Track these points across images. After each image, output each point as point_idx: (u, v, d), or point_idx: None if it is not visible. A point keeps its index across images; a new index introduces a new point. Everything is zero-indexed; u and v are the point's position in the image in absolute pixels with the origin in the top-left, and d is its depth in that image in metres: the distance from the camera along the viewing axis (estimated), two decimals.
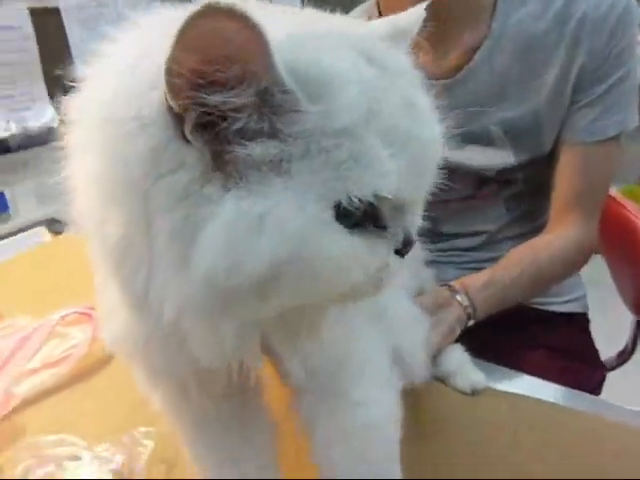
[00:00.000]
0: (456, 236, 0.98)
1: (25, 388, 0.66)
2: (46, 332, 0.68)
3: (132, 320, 0.39)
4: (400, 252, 0.34)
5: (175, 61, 0.26)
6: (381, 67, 0.32)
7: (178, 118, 0.28)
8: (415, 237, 0.35)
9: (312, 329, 0.37)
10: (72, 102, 0.33)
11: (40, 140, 1.53)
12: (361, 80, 0.30)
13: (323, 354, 0.41)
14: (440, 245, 0.99)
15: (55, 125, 1.54)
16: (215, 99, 0.27)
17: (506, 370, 0.67)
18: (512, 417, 0.57)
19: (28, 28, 1.40)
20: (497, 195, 0.92)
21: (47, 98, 1.47)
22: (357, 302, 0.36)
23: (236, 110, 0.28)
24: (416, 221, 0.35)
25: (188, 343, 0.35)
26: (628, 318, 1.12)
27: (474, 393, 0.62)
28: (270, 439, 0.49)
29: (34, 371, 0.68)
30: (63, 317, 0.70)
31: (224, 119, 0.28)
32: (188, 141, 0.28)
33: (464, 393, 0.62)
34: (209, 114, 0.28)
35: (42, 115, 1.46)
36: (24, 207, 1.52)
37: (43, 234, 1.17)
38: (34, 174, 1.54)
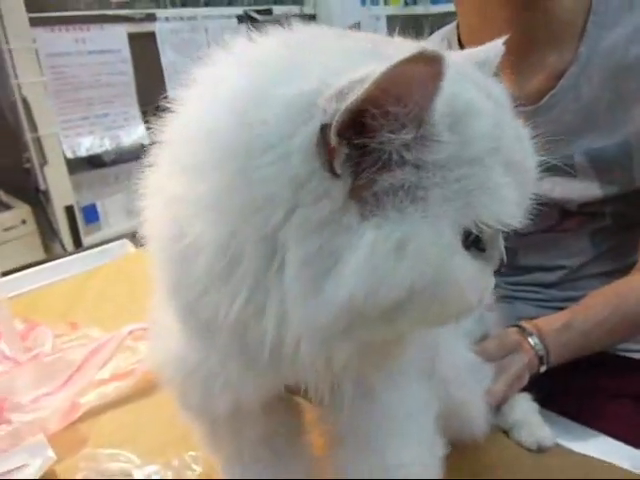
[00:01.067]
0: (535, 270, 0.92)
1: (91, 398, 0.69)
2: (115, 345, 0.71)
3: (184, 347, 0.39)
4: (495, 273, 0.36)
5: (369, 101, 0.27)
6: (493, 99, 0.33)
7: (330, 151, 0.28)
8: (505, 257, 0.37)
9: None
10: (169, 122, 0.34)
11: (132, 156, 1.63)
12: (489, 112, 0.32)
13: (369, 410, 0.40)
14: (517, 279, 0.93)
15: (146, 142, 1.62)
16: (388, 137, 0.28)
17: (579, 426, 0.62)
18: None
19: (126, 51, 1.50)
20: (581, 229, 0.86)
21: (140, 117, 1.57)
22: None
23: (390, 143, 0.29)
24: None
25: (233, 383, 0.35)
26: None
27: (540, 450, 0.57)
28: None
29: (103, 382, 0.71)
30: (131, 332, 0.73)
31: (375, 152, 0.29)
32: (334, 173, 0.29)
33: (529, 449, 0.57)
34: (362, 147, 0.29)
35: (134, 133, 1.56)
36: (114, 219, 1.62)
37: (127, 246, 1.23)
38: (125, 188, 1.64)
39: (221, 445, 0.45)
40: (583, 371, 0.74)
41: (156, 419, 0.67)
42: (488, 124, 0.31)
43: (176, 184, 0.32)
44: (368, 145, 0.29)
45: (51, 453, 0.59)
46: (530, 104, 0.79)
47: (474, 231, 0.31)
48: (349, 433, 0.41)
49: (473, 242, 0.32)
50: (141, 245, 1.25)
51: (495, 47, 0.41)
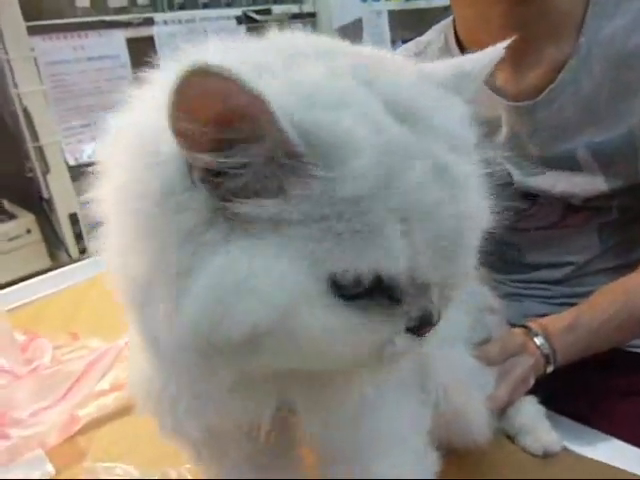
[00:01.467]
0: (541, 267, 0.90)
1: (91, 410, 0.68)
2: (113, 356, 0.70)
3: (150, 369, 0.38)
4: (414, 331, 0.31)
5: (172, 119, 0.26)
6: (415, 126, 0.29)
7: (189, 164, 0.28)
8: (437, 318, 0.31)
9: (338, 396, 0.34)
10: (115, 124, 0.34)
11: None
12: (379, 147, 0.27)
13: (354, 429, 0.38)
14: (523, 276, 0.92)
15: None
16: (209, 158, 0.26)
17: (587, 429, 0.60)
18: None
19: (125, 57, 1.50)
20: (587, 224, 0.84)
21: None
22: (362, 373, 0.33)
23: (236, 168, 0.27)
24: (446, 300, 0.32)
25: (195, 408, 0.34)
26: None
27: (546, 456, 0.55)
28: None
29: (102, 393, 0.70)
30: (127, 343, 0.72)
31: (226, 174, 0.27)
32: (197, 187, 0.28)
33: (534, 455, 0.56)
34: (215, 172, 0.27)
35: None
36: None
37: None
38: None
39: (206, 466, 0.44)
40: (591, 370, 0.73)
41: (154, 430, 0.66)
42: (372, 162, 0.27)
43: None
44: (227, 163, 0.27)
45: (50, 467, 0.59)
46: (529, 99, 0.77)
47: (340, 278, 0.27)
48: (335, 453, 0.39)
49: (377, 292, 0.29)
50: None
51: (491, 54, 0.38)
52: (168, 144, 0.28)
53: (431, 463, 0.42)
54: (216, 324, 0.27)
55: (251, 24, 1.73)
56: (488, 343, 0.61)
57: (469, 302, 0.53)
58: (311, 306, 0.28)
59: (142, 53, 1.51)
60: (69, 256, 1.48)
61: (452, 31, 0.85)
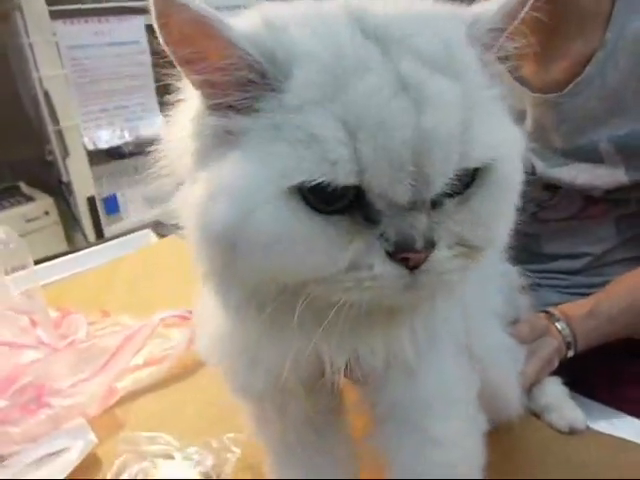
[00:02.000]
0: (560, 257, 0.92)
1: (127, 383, 0.70)
2: (148, 332, 0.73)
3: (226, 329, 0.41)
4: (395, 257, 0.30)
5: (164, 44, 0.31)
6: (384, 42, 0.30)
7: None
8: (423, 245, 0.30)
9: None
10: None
11: (150, 147, 1.64)
12: (331, 57, 0.30)
13: (410, 388, 0.41)
14: (542, 266, 0.93)
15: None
16: (193, 76, 0.31)
17: (606, 409, 0.62)
18: (611, 464, 0.52)
19: (144, 43, 1.51)
20: (606, 215, 0.86)
21: (158, 109, 1.58)
22: (337, 299, 0.32)
23: (214, 87, 0.31)
24: (439, 226, 0.31)
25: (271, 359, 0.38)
26: None
27: (572, 433, 0.58)
28: (351, 458, 0.49)
29: (137, 367, 0.73)
30: (163, 319, 0.74)
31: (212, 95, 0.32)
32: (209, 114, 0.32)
33: (560, 432, 0.58)
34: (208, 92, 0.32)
35: (153, 124, 1.57)
36: (134, 209, 1.64)
37: (149, 236, 1.25)
38: (144, 179, 1.65)
39: (266, 425, 0.46)
40: (610, 356, 0.75)
41: (190, 403, 0.69)
42: (317, 72, 0.29)
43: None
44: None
45: (93, 436, 0.61)
46: (555, 91, 0.79)
47: (304, 185, 0.29)
48: (391, 412, 0.42)
49: (355, 209, 0.30)
50: (163, 235, 1.27)
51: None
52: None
53: (481, 425, 0.44)
54: (205, 223, 0.31)
55: None
56: (519, 323, 0.63)
57: (502, 280, 0.55)
58: (267, 208, 0.30)
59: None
60: (86, 239, 1.50)
61: None
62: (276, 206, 0.30)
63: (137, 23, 1.48)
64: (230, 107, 0.32)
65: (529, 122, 0.82)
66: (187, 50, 0.30)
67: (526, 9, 0.34)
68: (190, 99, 0.35)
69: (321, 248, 0.30)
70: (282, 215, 0.30)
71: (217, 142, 0.32)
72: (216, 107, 0.32)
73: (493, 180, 0.33)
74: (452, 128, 0.30)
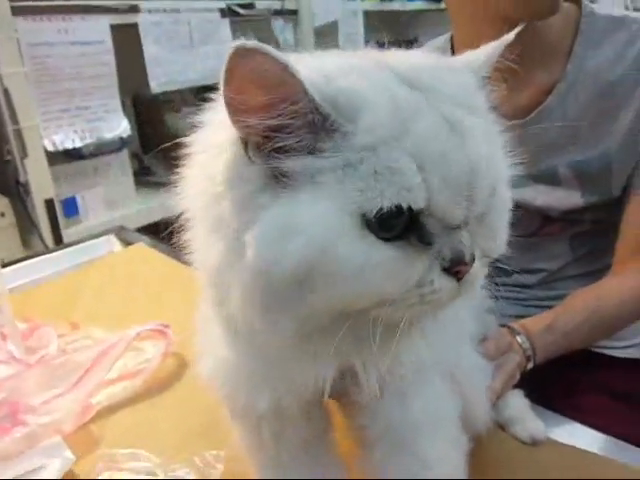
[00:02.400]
0: (517, 272, 0.97)
1: (101, 398, 0.70)
2: (123, 347, 0.72)
3: (227, 352, 0.43)
4: (450, 271, 0.35)
5: (227, 95, 0.32)
6: (423, 90, 0.36)
7: (244, 142, 0.35)
8: (470, 258, 0.35)
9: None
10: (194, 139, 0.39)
11: (112, 149, 1.61)
12: (389, 103, 0.34)
13: (402, 411, 0.43)
14: (501, 280, 0.98)
15: (125, 135, 1.62)
16: (256, 122, 0.33)
17: (564, 419, 0.67)
18: (572, 474, 0.57)
19: (109, 43, 1.48)
20: (561, 233, 0.92)
21: (121, 110, 1.55)
22: (408, 318, 0.36)
23: (278, 130, 0.33)
24: (472, 241, 0.36)
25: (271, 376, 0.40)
26: None
27: (534, 444, 0.62)
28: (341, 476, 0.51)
29: (111, 382, 0.72)
30: (139, 333, 0.74)
31: (271, 138, 0.34)
32: (253, 161, 0.35)
33: (523, 443, 0.62)
34: (265, 137, 0.34)
35: (116, 126, 1.54)
36: (93, 212, 1.60)
37: (112, 242, 1.23)
38: (105, 181, 1.62)
39: (262, 446, 0.48)
40: (562, 367, 0.80)
41: (166, 418, 0.69)
42: (385, 114, 0.33)
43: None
44: (267, 135, 0.34)
45: (70, 454, 0.60)
46: (519, 117, 0.83)
47: (370, 215, 0.32)
48: (383, 435, 0.44)
49: (411, 233, 0.34)
50: (126, 240, 1.25)
51: (488, 50, 0.44)
52: (228, 136, 0.35)
53: (464, 445, 0.48)
54: (271, 264, 0.33)
55: (234, 17, 1.74)
56: (486, 340, 0.67)
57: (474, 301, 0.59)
58: (346, 241, 0.33)
59: (126, 40, 1.51)
60: (43, 242, 1.46)
61: (449, 48, 0.90)
62: (353, 238, 0.33)
63: (102, 22, 1.45)
64: (286, 151, 0.34)
65: None
66: (258, 96, 0.32)
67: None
68: (208, 150, 0.37)
69: (394, 271, 0.34)
70: (360, 246, 0.33)
71: (264, 187, 0.34)
72: (268, 152, 0.34)
73: (498, 200, 0.38)
74: (488, 155, 0.35)
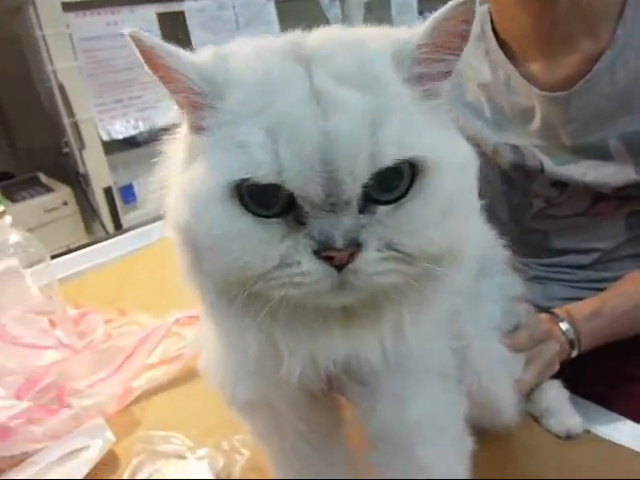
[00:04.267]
0: (569, 252, 0.92)
1: (142, 382, 0.73)
2: (162, 333, 0.75)
3: (214, 342, 0.45)
4: (320, 255, 0.33)
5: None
6: (308, 64, 0.35)
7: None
8: (344, 244, 0.33)
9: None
10: None
11: (165, 135, 1.65)
12: (260, 79, 0.35)
13: (399, 413, 0.42)
14: (551, 260, 0.94)
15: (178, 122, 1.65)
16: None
17: (607, 412, 0.64)
18: (607, 470, 0.54)
19: (156, 31, 1.51)
20: (615, 212, 0.86)
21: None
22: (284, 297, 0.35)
23: (183, 107, 0.38)
24: (365, 229, 0.34)
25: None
26: None
27: (569, 438, 0.59)
28: (348, 472, 0.51)
29: (152, 366, 0.76)
30: (177, 320, 0.77)
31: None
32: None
33: (558, 436, 0.60)
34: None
35: (166, 113, 1.58)
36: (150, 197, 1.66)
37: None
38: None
39: (264, 436, 0.49)
40: (612, 356, 0.76)
41: (203, 403, 0.71)
42: (249, 91, 0.34)
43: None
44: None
45: (110, 435, 0.64)
46: (563, 89, 0.78)
47: (235, 185, 0.33)
48: (381, 435, 0.44)
49: (288, 213, 0.34)
50: None
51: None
52: None
53: (466, 447, 0.46)
54: (173, 225, 0.38)
55: None
56: (517, 331, 0.64)
57: (499, 292, 0.56)
58: (212, 211, 0.34)
59: (173, 28, 1.54)
60: (104, 229, 1.53)
61: (488, 20, 0.85)
62: (219, 209, 0.34)
63: (149, 12, 1.48)
64: (191, 126, 0.38)
65: (537, 119, 0.82)
66: (160, 76, 0.36)
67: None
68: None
69: (255, 247, 0.34)
70: (224, 216, 0.34)
71: (187, 157, 0.38)
72: (189, 126, 0.38)
73: (429, 190, 0.35)
74: (356, 131, 0.33)
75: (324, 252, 0.33)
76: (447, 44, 0.36)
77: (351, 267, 0.33)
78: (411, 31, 0.37)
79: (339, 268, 0.33)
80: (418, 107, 0.36)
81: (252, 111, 0.34)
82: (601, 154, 0.80)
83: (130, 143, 1.58)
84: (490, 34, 0.84)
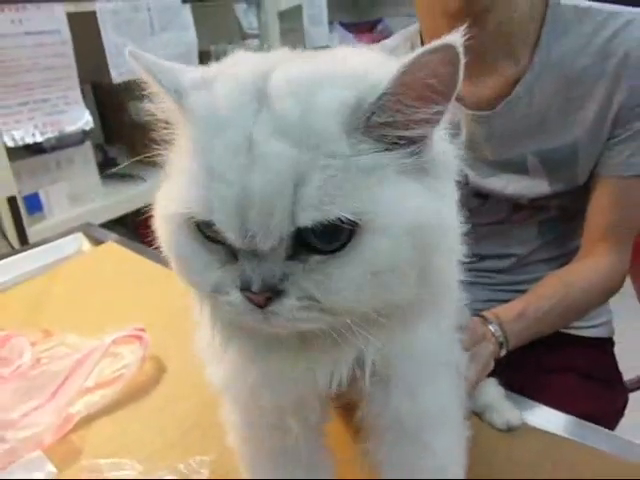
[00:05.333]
0: (489, 257, 0.99)
1: (80, 408, 0.69)
2: (100, 354, 0.71)
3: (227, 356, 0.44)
4: (243, 291, 0.34)
5: None
6: (261, 105, 0.34)
7: None
8: (260, 288, 0.33)
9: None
10: None
11: (74, 142, 1.56)
12: (207, 120, 0.35)
13: (411, 402, 0.44)
14: (473, 265, 1.00)
15: (88, 128, 1.57)
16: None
17: (529, 401, 0.69)
18: (546, 460, 0.59)
19: (65, 32, 1.42)
20: (530, 220, 0.94)
21: (82, 101, 1.50)
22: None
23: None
24: (265, 272, 0.34)
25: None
26: None
27: (510, 430, 0.64)
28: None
29: (88, 390, 0.71)
30: (115, 340, 0.74)
31: None
32: None
33: (500, 430, 0.64)
34: None
35: (77, 118, 1.49)
36: (58, 208, 1.56)
37: (81, 240, 1.20)
38: (67, 175, 1.58)
39: (258, 438, 0.49)
40: (531, 349, 0.82)
41: (147, 425, 0.69)
42: (201, 128, 0.35)
43: None
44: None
45: (52, 467, 0.60)
46: (487, 109, 0.84)
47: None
48: (391, 427, 0.45)
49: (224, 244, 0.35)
50: (94, 237, 1.22)
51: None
52: None
53: (465, 431, 0.49)
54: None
55: (196, 2, 1.69)
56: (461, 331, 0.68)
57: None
58: (172, 229, 0.38)
59: (84, 29, 1.46)
60: (7, 241, 1.41)
61: (419, 39, 0.90)
62: (176, 229, 0.37)
63: (58, 11, 1.39)
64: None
65: (463, 135, 0.88)
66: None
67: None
68: None
69: (199, 269, 0.37)
70: (181, 235, 0.37)
71: (167, 171, 0.40)
72: None
73: (362, 249, 0.33)
74: (274, 190, 0.32)
75: (243, 292, 0.34)
76: (421, 92, 0.33)
77: (271, 309, 0.34)
78: (383, 72, 0.34)
79: (261, 307, 0.34)
80: (364, 161, 0.33)
81: (201, 146, 0.35)
82: (520, 169, 0.87)
83: (36, 150, 1.47)
84: None
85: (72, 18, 1.42)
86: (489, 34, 0.79)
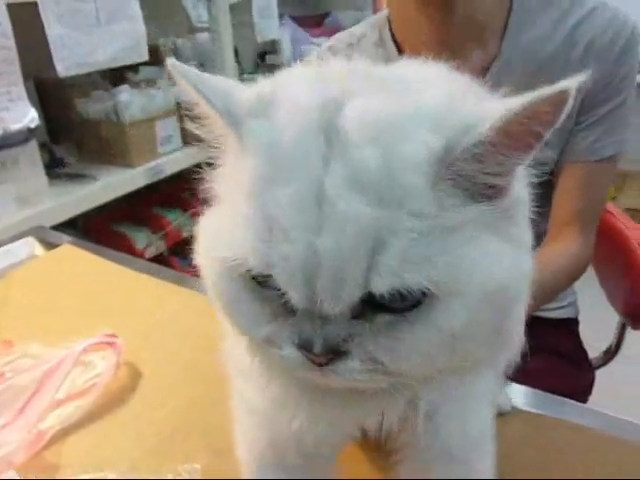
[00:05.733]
0: None
1: (52, 422, 0.65)
2: (70, 364, 0.67)
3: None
4: (301, 349, 0.32)
5: None
6: (333, 149, 0.30)
7: None
8: (321, 350, 0.31)
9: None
10: None
11: (18, 140, 1.47)
12: (269, 155, 0.31)
13: (460, 430, 0.43)
14: None
15: (33, 125, 1.48)
16: None
17: (519, 386, 0.70)
18: (535, 441, 0.60)
19: (6, 25, 1.33)
20: None
21: (26, 97, 1.41)
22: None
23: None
24: (328, 334, 0.31)
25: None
26: (613, 318, 1.18)
27: (500, 414, 0.64)
28: None
29: (60, 402, 0.67)
30: (85, 348, 0.69)
31: None
32: None
33: None
34: None
35: (21, 116, 1.40)
36: (3, 210, 1.46)
37: (33, 244, 1.13)
38: (12, 176, 1.48)
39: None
40: None
41: (125, 435, 0.65)
42: (258, 165, 0.31)
43: None
44: None
45: None
46: None
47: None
48: (440, 457, 0.44)
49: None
50: (46, 241, 1.15)
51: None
52: None
53: (495, 447, 0.47)
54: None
55: None
56: None
57: None
58: (226, 275, 0.34)
59: (26, 21, 1.37)
60: None
61: (387, 27, 0.89)
62: (236, 283, 0.34)
63: None
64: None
65: None
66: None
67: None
68: None
69: (250, 316, 0.34)
70: (235, 283, 0.34)
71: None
72: None
73: (433, 314, 0.30)
74: (347, 256, 0.28)
75: (303, 352, 0.32)
76: (525, 141, 0.30)
77: (331, 368, 0.32)
78: (473, 109, 0.30)
79: (319, 365, 0.32)
80: (450, 219, 0.29)
81: (259, 190, 0.30)
82: None
83: None
84: (390, 42, 0.88)
85: (13, 9, 1.33)
86: (458, 21, 0.79)
